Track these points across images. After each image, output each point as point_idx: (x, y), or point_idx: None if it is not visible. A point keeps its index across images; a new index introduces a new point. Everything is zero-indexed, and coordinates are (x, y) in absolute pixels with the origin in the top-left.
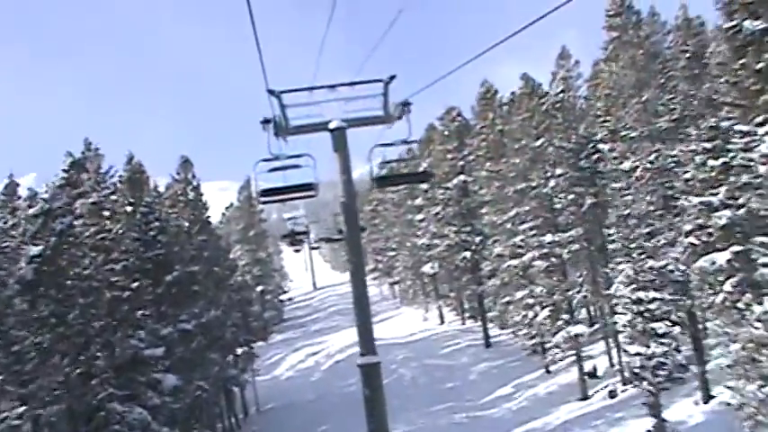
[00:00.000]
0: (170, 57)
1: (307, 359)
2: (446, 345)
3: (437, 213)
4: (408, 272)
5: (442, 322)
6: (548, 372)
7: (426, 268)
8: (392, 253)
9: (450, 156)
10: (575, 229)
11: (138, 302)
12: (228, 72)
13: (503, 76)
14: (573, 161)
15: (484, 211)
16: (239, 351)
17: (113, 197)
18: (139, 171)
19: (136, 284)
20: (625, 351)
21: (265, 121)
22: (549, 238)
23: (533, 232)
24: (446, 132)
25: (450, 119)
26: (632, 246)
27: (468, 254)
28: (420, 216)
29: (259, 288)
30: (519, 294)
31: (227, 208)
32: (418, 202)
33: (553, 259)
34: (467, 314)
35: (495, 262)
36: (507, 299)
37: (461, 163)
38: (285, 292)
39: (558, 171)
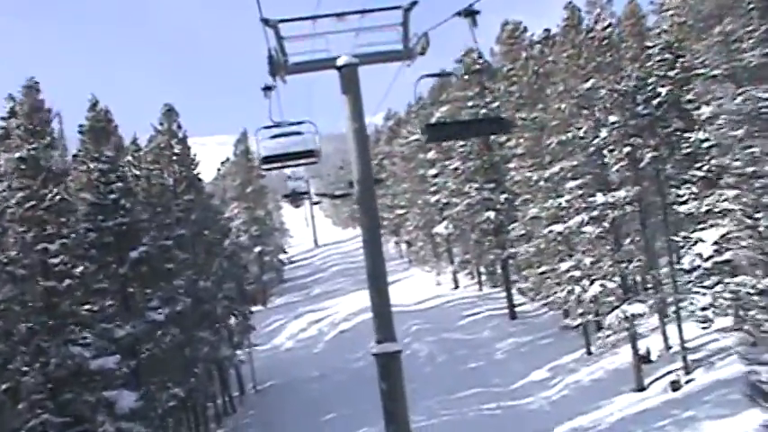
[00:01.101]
0: (166, 8)
1: (309, 327)
2: (464, 314)
3: (456, 168)
4: (419, 232)
5: (457, 287)
6: (588, 353)
7: (440, 228)
8: (401, 211)
9: (470, 103)
10: (626, 188)
11: (84, 294)
12: (226, 24)
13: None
14: (629, 107)
15: (512, 165)
16: (233, 322)
17: (54, 151)
18: (105, 120)
19: (82, 269)
20: (737, 357)
21: (266, 88)
22: (600, 198)
23: (581, 192)
24: (466, 77)
25: (471, 61)
26: (759, 215)
27: (491, 214)
28: (433, 171)
29: (257, 249)
30: (564, 266)
31: (222, 163)
32: (431, 155)
33: (605, 224)
34: (483, 278)
35: (528, 225)
36: (543, 269)
37: (484, 111)
38: (285, 252)
39: (612, 119)
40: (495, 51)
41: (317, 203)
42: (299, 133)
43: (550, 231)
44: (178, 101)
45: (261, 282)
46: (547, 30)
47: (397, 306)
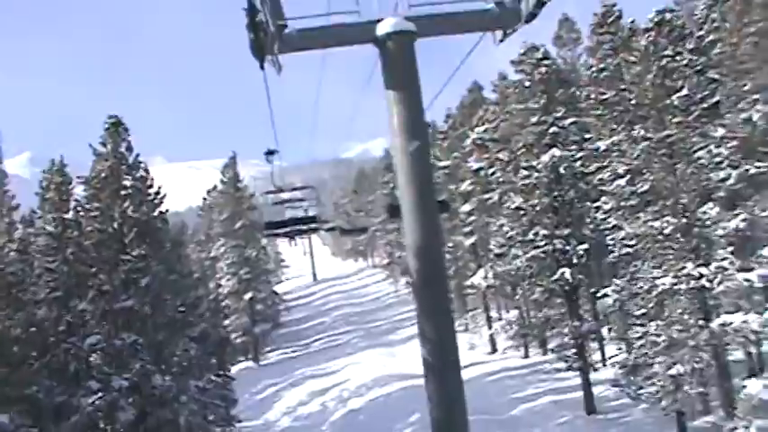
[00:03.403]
0: (168, 31)
1: (311, 401)
2: (515, 396)
3: (519, 208)
4: (449, 281)
5: (494, 350)
6: None
7: (477, 279)
8: None
9: (534, 119)
10: None
11: None
12: (226, 42)
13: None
14: None
15: (605, 206)
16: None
17: None
18: None
19: None
20: None
21: (269, 153)
22: None
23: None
24: (527, 83)
25: (533, 64)
26: None
27: (567, 272)
28: (467, 207)
29: (247, 295)
30: (753, 385)
31: (209, 192)
32: (465, 187)
33: None
34: (519, 336)
35: (650, 302)
36: (679, 368)
37: (554, 131)
38: (283, 301)
39: None
40: (552, 52)
41: (314, 231)
42: (301, 200)
43: (724, 324)
44: (174, 123)
45: (252, 333)
46: (659, 11)
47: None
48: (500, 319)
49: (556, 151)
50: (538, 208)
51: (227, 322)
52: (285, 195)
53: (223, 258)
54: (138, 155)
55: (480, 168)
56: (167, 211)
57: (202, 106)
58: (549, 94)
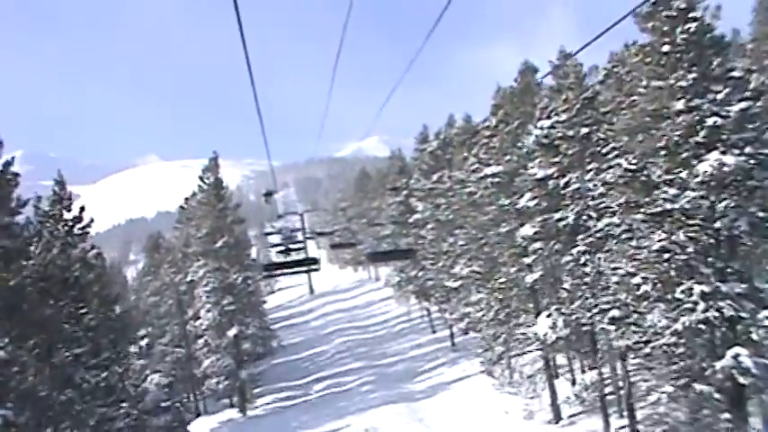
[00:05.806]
0: (162, 28)
1: None
2: None
3: (665, 250)
4: (498, 328)
5: (558, 419)
6: None
7: (541, 327)
8: (454, 283)
9: (679, 105)
10: None
11: None
12: (216, 44)
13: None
14: None
15: None
16: None
17: None
18: None
19: None
20: None
21: (267, 194)
22: None
23: None
24: (665, 48)
25: (672, 17)
26: None
27: (741, 353)
28: (529, 230)
29: (232, 332)
30: None
31: (186, 200)
32: (525, 202)
33: None
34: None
35: None
36: None
37: (712, 122)
38: (275, 334)
39: None
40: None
41: (316, 270)
42: (299, 242)
43: None
44: (171, 120)
45: (237, 377)
46: None
47: None
48: (559, 377)
49: (723, 157)
50: (690, 249)
51: (206, 363)
52: (283, 238)
53: (201, 285)
54: (13, 159)
55: (548, 177)
56: (92, 249)
57: (198, 104)
58: (700, 65)
